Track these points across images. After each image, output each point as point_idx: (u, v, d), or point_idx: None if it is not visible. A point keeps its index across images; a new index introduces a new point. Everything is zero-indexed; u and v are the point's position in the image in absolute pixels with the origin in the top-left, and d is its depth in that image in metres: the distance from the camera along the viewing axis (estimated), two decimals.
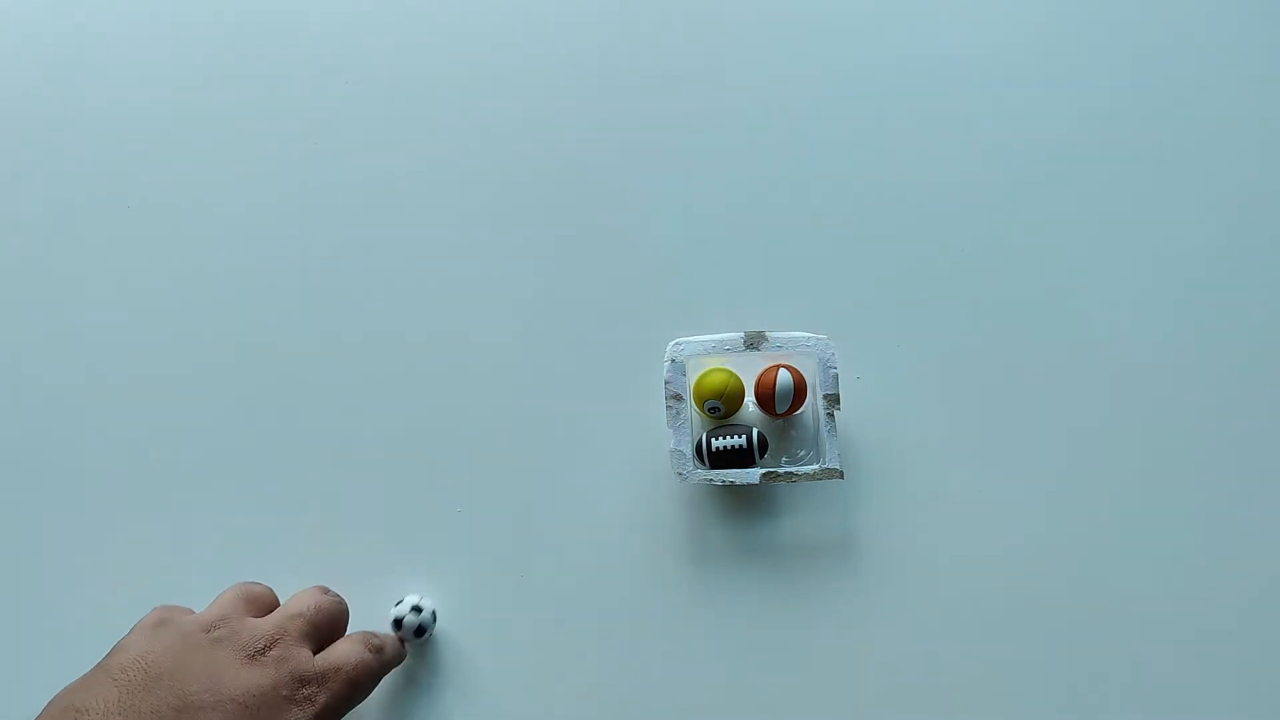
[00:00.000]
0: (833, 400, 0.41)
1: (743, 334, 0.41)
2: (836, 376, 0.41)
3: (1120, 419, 0.44)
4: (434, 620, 0.40)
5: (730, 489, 0.43)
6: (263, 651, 0.33)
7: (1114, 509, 0.43)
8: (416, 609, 0.40)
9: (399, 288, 0.45)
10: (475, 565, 0.42)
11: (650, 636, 0.41)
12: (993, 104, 0.48)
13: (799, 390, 0.41)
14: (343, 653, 0.35)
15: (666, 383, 0.41)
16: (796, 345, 0.41)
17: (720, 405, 0.41)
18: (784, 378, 0.41)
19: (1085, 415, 0.44)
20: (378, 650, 0.36)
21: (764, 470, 0.40)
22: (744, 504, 0.43)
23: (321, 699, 0.33)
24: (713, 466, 0.41)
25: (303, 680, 0.33)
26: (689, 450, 0.41)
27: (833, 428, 0.41)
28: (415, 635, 0.40)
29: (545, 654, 0.41)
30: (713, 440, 0.41)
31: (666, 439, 0.41)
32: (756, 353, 0.41)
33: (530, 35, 0.49)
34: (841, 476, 0.41)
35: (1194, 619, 0.41)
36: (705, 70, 0.49)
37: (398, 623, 0.40)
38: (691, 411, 0.42)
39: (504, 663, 0.41)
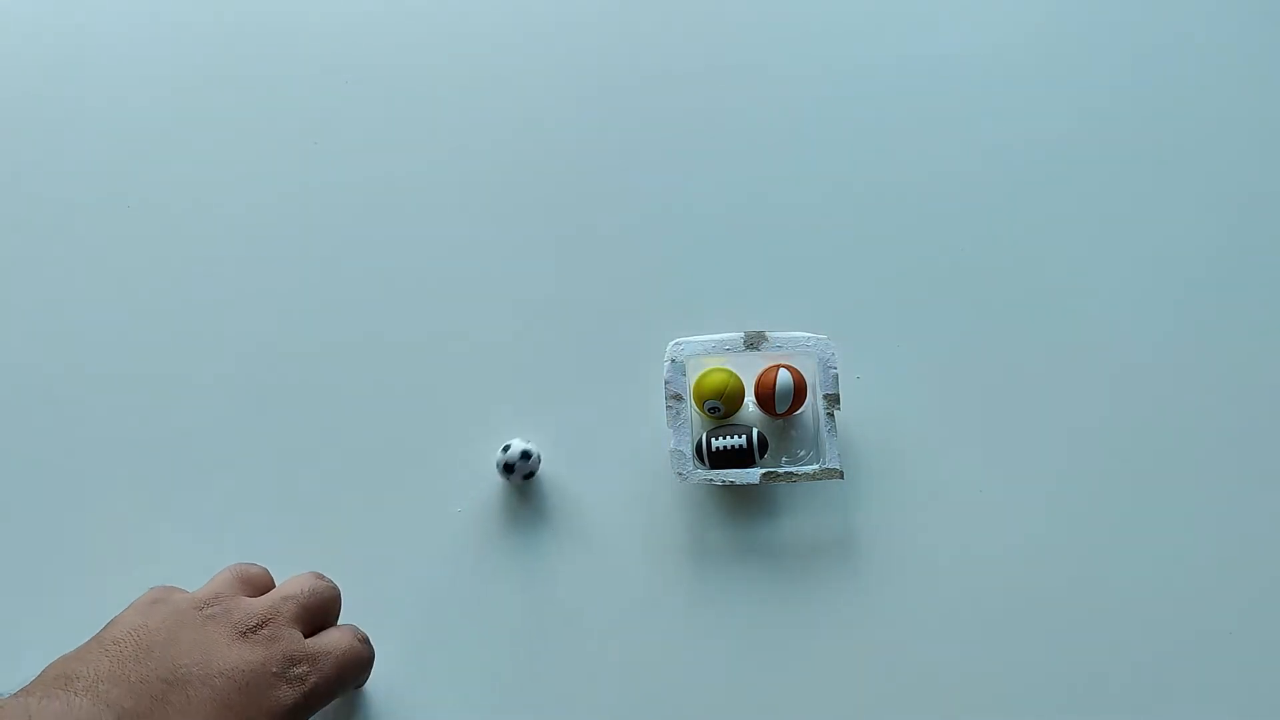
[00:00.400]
0: (833, 400, 0.41)
1: (743, 334, 0.41)
2: (836, 376, 0.41)
3: (1120, 419, 0.44)
4: (537, 461, 0.42)
5: (730, 489, 0.42)
6: (254, 629, 0.33)
7: (1114, 509, 0.43)
8: (526, 454, 0.41)
9: (399, 288, 0.45)
10: (475, 564, 0.42)
11: (650, 636, 0.41)
12: (992, 104, 0.48)
13: (799, 390, 0.41)
14: (334, 639, 0.35)
15: (666, 383, 0.41)
16: (796, 345, 0.41)
17: (720, 405, 0.41)
18: (784, 378, 0.41)
19: (1085, 415, 0.44)
20: (365, 641, 0.37)
21: (764, 470, 0.40)
22: (744, 504, 0.43)
23: (312, 679, 0.33)
24: (713, 466, 0.41)
25: (293, 659, 0.33)
26: (689, 450, 0.41)
27: (833, 428, 0.41)
28: (523, 476, 0.41)
29: (544, 653, 0.41)
30: (713, 440, 0.41)
31: (666, 439, 0.41)
32: (756, 353, 0.41)
33: (530, 35, 0.49)
34: (841, 476, 0.41)
35: (1194, 619, 0.41)
36: (705, 70, 0.49)
37: (509, 466, 0.41)
38: (691, 411, 0.42)
39: (501, 662, 0.41)
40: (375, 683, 0.39)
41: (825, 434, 0.41)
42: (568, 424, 0.43)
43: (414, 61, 0.49)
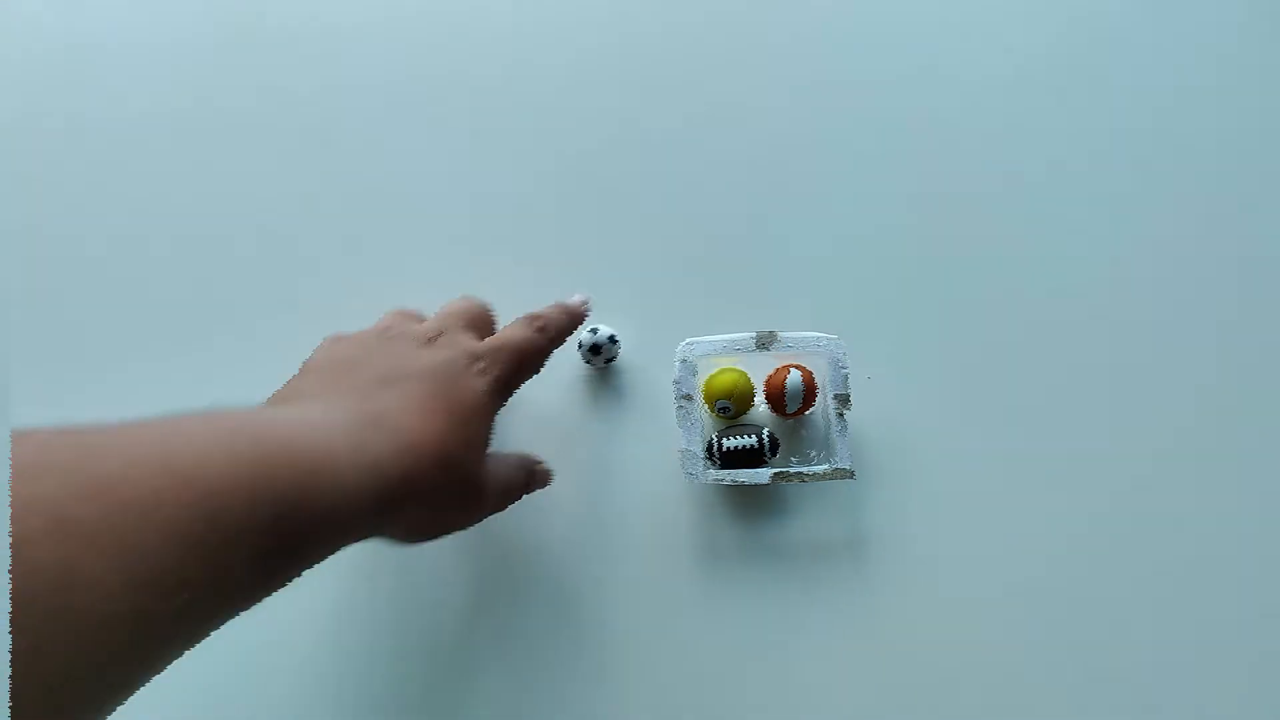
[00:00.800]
0: (843, 400, 0.41)
1: (754, 334, 0.41)
2: (847, 376, 0.41)
3: (1135, 420, 0.43)
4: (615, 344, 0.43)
5: (740, 489, 0.42)
6: (434, 339, 0.35)
7: (1127, 511, 0.42)
8: (593, 330, 0.43)
9: (402, 283, 0.45)
10: (479, 563, 0.42)
11: (659, 636, 0.41)
12: (1003, 107, 0.48)
13: (809, 390, 0.41)
14: (508, 332, 0.37)
15: (676, 383, 0.41)
16: (807, 345, 0.41)
17: (731, 405, 0.41)
18: (794, 378, 0.41)
19: (1100, 416, 0.44)
20: (541, 329, 0.38)
21: (775, 470, 0.40)
22: (754, 504, 0.42)
23: (495, 370, 0.35)
24: (723, 466, 0.41)
25: (476, 355, 0.35)
26: (699, 450, 0.41)
27: (843, 428, 0.41)
28: (605, 358, 0.43)
29: (552, 654, 0.41)
30: (723, 440, 0.41)
31: (676, 439, 0.41)
32: (767, 352, 0.41)
33: (539, 33, 0.49)
34: (852, 477, 0.40)
35: (1215, 622, 0.41)
36: (715, 70, 0.48)
37: (595, 348, 0.43)
38: (702, 411, 0.41)
39: (511, 661, 0.41)
40: (370, 670, 0.39)
41: (836, 434, 0.41)
42: (578, 423, 0.43)
43: (420, 59, 0.49)
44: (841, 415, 0.41)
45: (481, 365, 0.34)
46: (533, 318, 0.38)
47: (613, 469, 0.43)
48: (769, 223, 0.46)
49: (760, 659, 0.41)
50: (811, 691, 0.40)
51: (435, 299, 0.39)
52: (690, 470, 0.40)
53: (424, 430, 0.31)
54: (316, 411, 0.30)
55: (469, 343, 0.35)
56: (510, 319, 0.39)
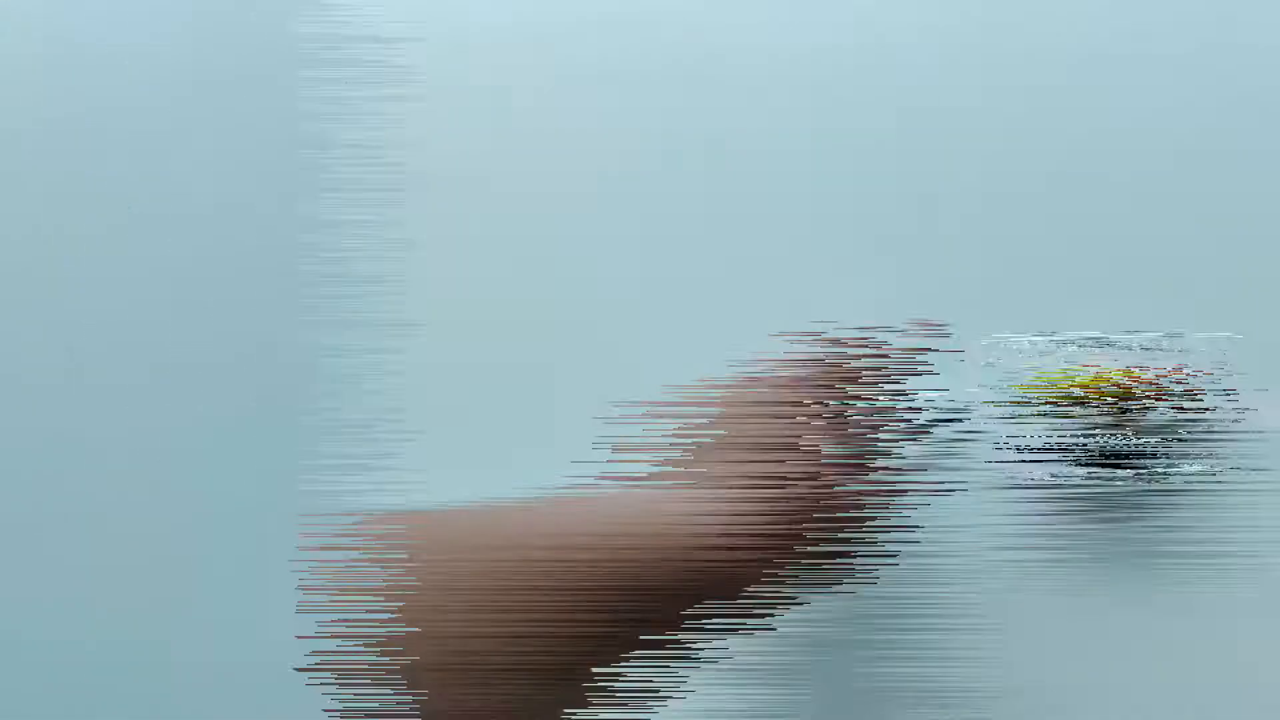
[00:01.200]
0: (1212, 400, 0.39)
1: (1117, 334, 0.40)
2: (1216, 378, 0.39)
3: None
4: None
5: (1107, 490, 0.41)
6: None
7: None
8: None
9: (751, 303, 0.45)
10: None
11: (1008, 634, 0.40)
12: None
13: (1181, 393, 0.40)
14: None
15: (1032, 383, 0.40)
16: (1174, 345, 0.40)
17: (1100, 404, 0.40)
18: (1162, 378, 0.40)
19: None
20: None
21: (1139, 471, 0.39)
22: (1119, 506, 0.41)
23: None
24: (1090, 467, 0.40)
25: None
26: (1063, 451, 0.39)
27: (1213, 431, 0.39)
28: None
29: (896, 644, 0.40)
30: (1091, 440, 0.40)
31: (1036, 439, 0.40)
32: (1132, 351, 0.40)
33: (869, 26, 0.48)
34: (1218, 480, 0.39)
35: None
36: (1063, 63, 0.47)
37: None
38: (1069, 411, 0.40)
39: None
40: None
41: (1203, 437, 0.39)
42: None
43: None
44: (1209, 417, 0.39)
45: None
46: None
47: (971, 472, 0.42)
48: (1126, 217, 0.44)
49: (1123, 663, 0.39)
50: (1171, 700, 0.39)
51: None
52: (1053, 473, 0.39)
53: None
54: (709, 500, 0.31)
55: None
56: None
